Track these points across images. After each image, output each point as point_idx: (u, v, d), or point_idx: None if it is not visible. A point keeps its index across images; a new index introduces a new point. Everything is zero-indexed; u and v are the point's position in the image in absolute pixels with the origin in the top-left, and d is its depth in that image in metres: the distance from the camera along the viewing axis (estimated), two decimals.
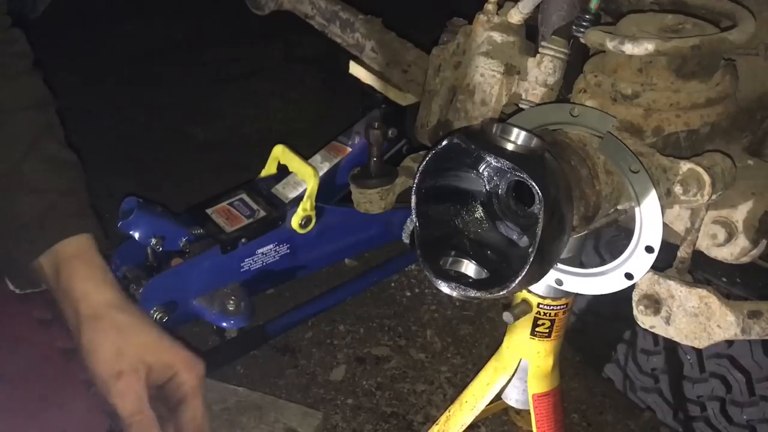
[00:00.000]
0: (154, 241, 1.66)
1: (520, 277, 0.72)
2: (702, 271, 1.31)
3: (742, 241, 0.86)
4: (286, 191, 1.82)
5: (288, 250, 1.79)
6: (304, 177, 1.77)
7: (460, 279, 0.80)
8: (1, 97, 0.86)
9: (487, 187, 0.82)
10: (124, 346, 0.79)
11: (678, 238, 0.89)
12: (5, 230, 0.85)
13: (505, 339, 1.25)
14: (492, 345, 1.25)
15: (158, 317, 1.60)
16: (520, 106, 1.02)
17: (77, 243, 0.85)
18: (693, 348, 1.40)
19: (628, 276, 0.84)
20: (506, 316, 1.13)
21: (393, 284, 2.07)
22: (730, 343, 1.56)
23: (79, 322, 0.82)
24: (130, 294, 1.63)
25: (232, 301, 1.66)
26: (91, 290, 0.83)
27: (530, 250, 0.72)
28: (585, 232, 0.87)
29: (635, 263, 0.82)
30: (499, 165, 0.73)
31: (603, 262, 0.86)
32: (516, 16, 1.03)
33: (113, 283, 0.85)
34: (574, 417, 1.80)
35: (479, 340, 1.93)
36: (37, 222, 0.83)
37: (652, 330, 0.86)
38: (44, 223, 0.84)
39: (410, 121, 1.09)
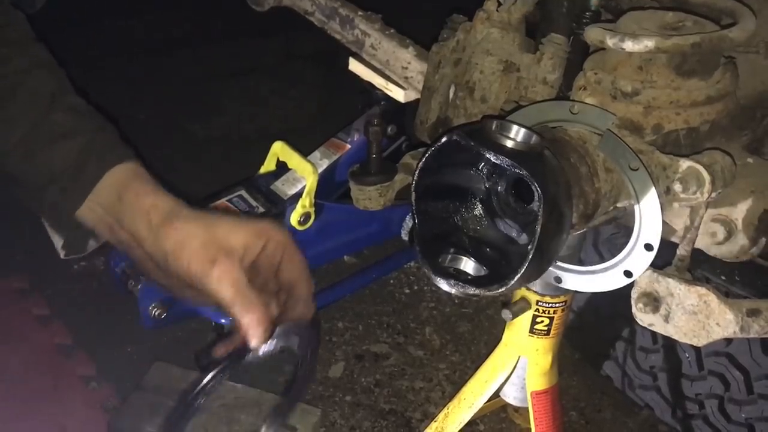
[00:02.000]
0: None
1: (519, 275, 0.72)
2: (701, 269, 1.31)
3: (741, 240, 0.86)
4: (285, 188, 1.82)
5: None
6: (304, 174, 1.77)
7: (459, 276, 0.80)
8: (16, 60, 0.85)
9: (487, 185, 0.82)
10: (209, 235, 0.76)
11: (677, 236, 0.89)
12: (47, 181, 0.82)
13: (504, 336, 1.25)
14: (491, 342, 1.25)
15: (156, 313, 1.60)
16: (520, 103, 1.02)
17: (127, 169, 0.83)
18: (692, 346, 1.40)
19: (627, 274, 0.83)
20: (505, 313, 1.13)
21: (392, 281, 2.07)
22: (728, 341, 1.56)
23: (156, 232, 0.78)
24: (128, 290, 1.63)
25: None
26: (159, 201, 0.81)
27: (529, 247, 0.71)
28: (584, 229, 0.87)
29: (634, 261, 0.82)
30: (498, 162, 0.73)
31: (602, 260, 0.86)
32: (516, 13, 1.02)
33: (174, 196, 0.84)
34: (572, 414, 1.80)
35: (478, 338, 1.93)
36: (80, 161, 0.81)
37: (650, 328, 0.86)
38: (88, 161, 0.82)
39: (410, 118, 1.09)
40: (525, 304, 1.15)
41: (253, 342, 0.75)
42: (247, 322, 0.75)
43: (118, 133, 0.88)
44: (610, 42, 0.83)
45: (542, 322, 1.18)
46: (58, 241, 0.88)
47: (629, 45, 0.81)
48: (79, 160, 0.82)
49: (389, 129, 1.86)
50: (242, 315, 0.75)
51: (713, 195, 0.81)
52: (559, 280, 0.92)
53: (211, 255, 0.75)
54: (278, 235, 0.80)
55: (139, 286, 1.59)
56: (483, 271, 0.81)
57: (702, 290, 0.81)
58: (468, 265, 0.81)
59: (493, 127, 0.74)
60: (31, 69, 0.86)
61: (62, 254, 0.89)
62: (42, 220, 0.91)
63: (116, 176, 0.82)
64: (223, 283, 0.75)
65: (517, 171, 0.72)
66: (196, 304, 0.85)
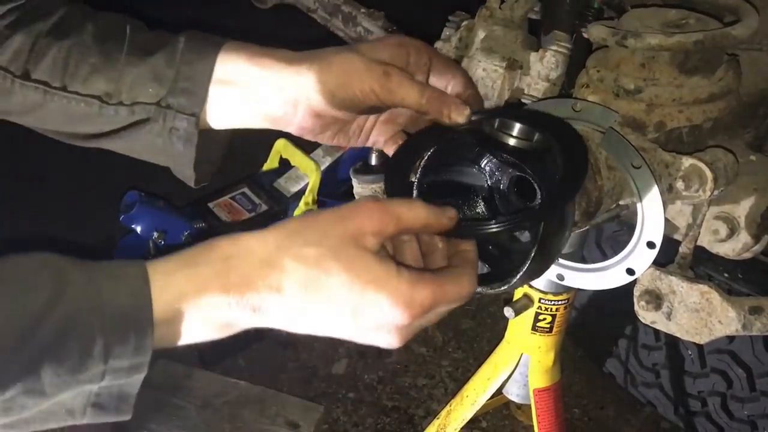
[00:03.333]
0: (156, 234, 1.66)
1: (521, 273, 0.72)
2: (703, 266, 1.31)
3: (743, 237, 0.86)
4: (288, 185, 1.82)
5: None
6: (306, 171, 1.77)
7: None
8: (78, 14, 0.84)
9: (489, 182, 0.82)
10: (364, 58, 0.76)
11: (680, 234, 0.89)
12: (165, 90, 0.79)
13: (507, 334, 1.26)
14: (493, 340, 1.26)
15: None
16: (523, 101, 1.02)
17: (235, 45, 0.80)
18: (694, 343, 1.40)
19: (630, 271, 0.84)
20: (507, 311, 1.13)
21: None
22: (731, 338, 1.56)
23: (314, 75, 0.76)
24: None
25: None
26: (288, 53, 0.79)
27: (532, 245, 0.72)
28: (587, 227, 0.87)
29: (637, 259, 0.82)
30: (500, 160, 0.73)
31: (605, 258, 0.86)
32: (519, 10, 1.02)
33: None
34: (575, 411, 1.80)
35: (480, 335, 1.94)
36: (192, 53, 0.79)
37: (653, 325, 0.86)
38: (194, 56, 0.79)
39: None
40: (527, 302, 1.15)
41: (462, 117, 0.75)
42: (450, 107, 0.75)
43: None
44: (613, 39, 0.83)
45: (545, 319, 1.18)
46: (187, 165, 0.85)
47: (632, 43, 0.81)
48: (184, 59, 0.79)
49: None
50: (441, 106, 0.75)
51: (716, 193, 0.81)
52: (561, 277, 0.92)
53: (380, 70, 0.75)
54: (415, 42, 0.80)
55: None
56: (485, 269, 0.81)
57: (704, 288, 0.81)
58: None
59: (496, 124, 0.74)
60: (94, 16, 0.84)
61: (193, 182, 0.86)
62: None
63: (229, 59, 0.79)
64: (406, 86, 0.75)
65: (519, 169, 0.72)
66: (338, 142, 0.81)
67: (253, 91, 0.78)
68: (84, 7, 0.86)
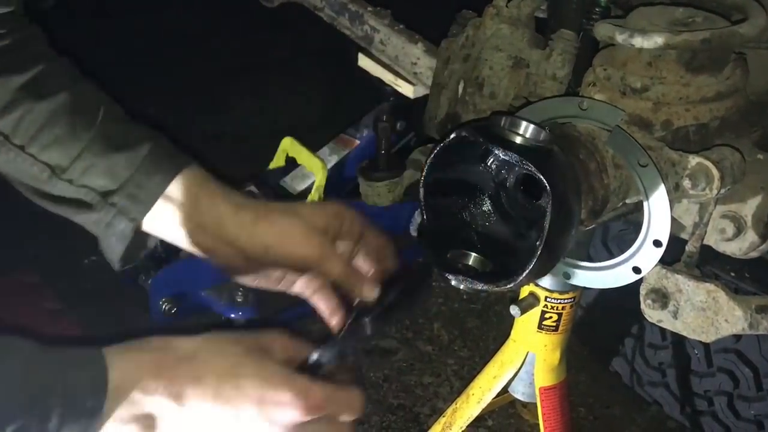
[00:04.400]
0: None
1: (527, 271, 0.72)
2: (710, 265, 1.31)
3: (750, 236, 0.86)
4: (295, 184, 1.83)
5: None
6: (313, 169, 1.77)
7: (468, 272, 0.80)
8: (56, 78, 0.87)
9: (495, 181, 0.82)
10: (304, 224, 0.82)
11: (686, 233, 0.89)
12: (110, 191, 0.83)
13: (513, 332, 1.26)
14: (499, 338, 1.26)
15: (167, 308, 1.61)
16: (529, 99, 1.02)
17: (193, 173, 0.85)
18: (700, 342, 1.40)
19: (636, 270, 0.84)
20: (513, 309, 1.13)
21: None
22: (737, 337, 1.55)
23: (252, 229, 0.82)
24: (139, 285, 1.64)
25: (240, 293, 1.67)
26: (242, 200, 0.85)
27: (538, 243, 0.72)
28: (593, 225, 0.87)
29: (643, 257, 0.82)
30: (507, 158, 0.73)
31: (611, 256, 0.86)
32: (525, 8, 1.02)
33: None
34: (580, 410, 1.80)
35: (486, 333, 1.94)
36: (146, 168, 0.83)
37: (659, 324, 0.86)
38: (154, 167, 0.83)
39: (419, 114, 1.09)
40: (533, 300, 1.15)
41: (372, 295, 0.82)
42: (362, 285, 0.83)
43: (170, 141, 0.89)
44: (620, 38, 0.83)
45: (551, 318, 1.18)
46: (115, 253, 0.88)
47: (639, 41, 0.81)
48: (143, 167, 0.82)
49: (398, 125, 1.87)
50: (356, 283, 0.83)
51: (722, 191, 0.81)
52: (567, 276, 0.92)
53: (315, 241, 0.81)
54: (350, 214, 0.86)
55: (149, 281, 1.60)
56: (491, 267, 0.81)
57: (711, 287, 0.81)
58: (476, 260, 0.82)
59: (502, 123, 0.74)
60: (73, 84, 0.87)
61: (118, 266, 0.89)
62: (87, 235, 0.92)
63: (185, 182, 0.83)
64: (333, 262, 0.82)
65: (526, 167, 0.72)
66: (278, 286, 0.88)
67: (193, 227, 0.83)
68: (67, 69, 0.88)
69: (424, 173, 0.78)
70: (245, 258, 0.83)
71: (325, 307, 0.86)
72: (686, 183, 0.80)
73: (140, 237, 0.86)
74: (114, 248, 0.86)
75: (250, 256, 0.83)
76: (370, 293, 0.83)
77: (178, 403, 0.68)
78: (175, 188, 0.83)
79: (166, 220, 0.84)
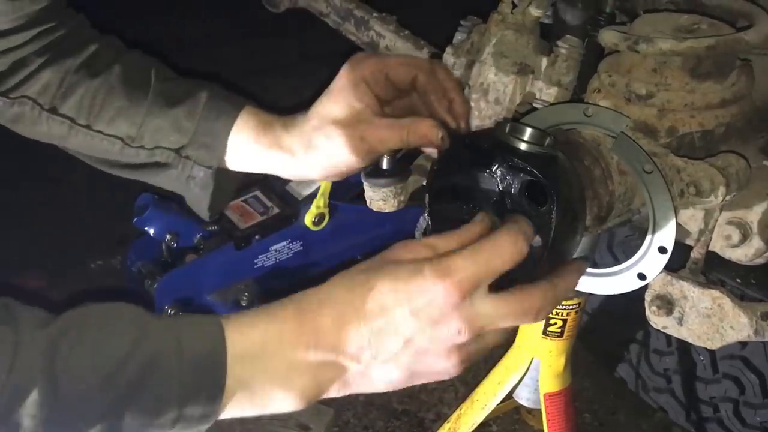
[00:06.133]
0: (168, 237, 1.67)
1: (533, 277, 0.72)
2: (715, 272, 1.31)
3: (756, 243, 0.86)
4: (300, 188, 1.83)
5: (301, 247, 1.80)
6: None
7: None
8: (104, 52, 0.89)
9: (500, 187, 0.82)
10: (350, 123, 0.83)
11: (691, 239, 0.89)
12: (184, 142, 0.85)
13: (517, 338, 1.25)
14: (504, 344, 1.26)
15: (173, 313, 1.62)
16: (534, 105, 1.02)
17: (252, 111, 0.88)
18: (706, 349, 1.39)
19: (641, 276, 0.83)
20: None
21: None
22: (743, 344, 1.55)
23: (309, 141, 0.84)
24: (145, 290, 1.64)
25: (245, 297, 1.67)
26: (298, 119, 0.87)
27: (542, 249, 0.72)
28: (598, 232, 0.87)
29: (648, 264, 0.82)
30: (511, 164, 0.73)
31: (616, 262, 0.86)
32: (530, 15, 1.03)
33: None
34: (586, 416, 1.80)
35: None
36: (211, 110, 0.85)
37: (664, 330, 0.86)
38: (219, 107, 0.86)
39: None
40: None
41: (442, 143, 0.81)
42: (423, 137, 0.82)
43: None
44: (625, 44, 0.83)
45: (556, 324, 1.18)
46: (202, 205, 0.90)
47: (644, 48, 0.81)
48: (205, 114, 0.85)
49: None
50: (416, 138, 0.82)
51: (728, 198, 0.80)
52: None
53: (357, 141, 0.82)
54: (363, 67, 0.86)
55: (155, 286, 1.61)
56: None
57: (716, 293, 0.81)
58: None
59: (507, 129, 0.74)
60: (123, 56, 0.89)
61: (207, 215, 0.91)
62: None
63: (247, 118, 0.86)
64: (385, 138, 0.82)
65: (531, 174, 0.72)
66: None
67: (261, 166, 0.87)
68: (115, 44, 0.92)
69: (429, 179, 0.78)
70: (325, 166, 0.85)
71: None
72: (691, 189, 0.80)
73: (223, 186, 0.88)
74: (200, 200, 0.88)
75: (325, 165, 0.85)
76: (433, 136, 0.81)
77: (335, 356, 0.64)
78: (240, 126, 0.85)
79: (240, 158, 0.86)
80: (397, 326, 0.63)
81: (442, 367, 0.66)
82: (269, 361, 0.63)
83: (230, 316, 0.64)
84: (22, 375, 0.56)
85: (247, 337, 0.62)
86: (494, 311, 0.65)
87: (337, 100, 0.84)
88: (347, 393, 0.67)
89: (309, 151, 0.85)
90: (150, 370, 0.59)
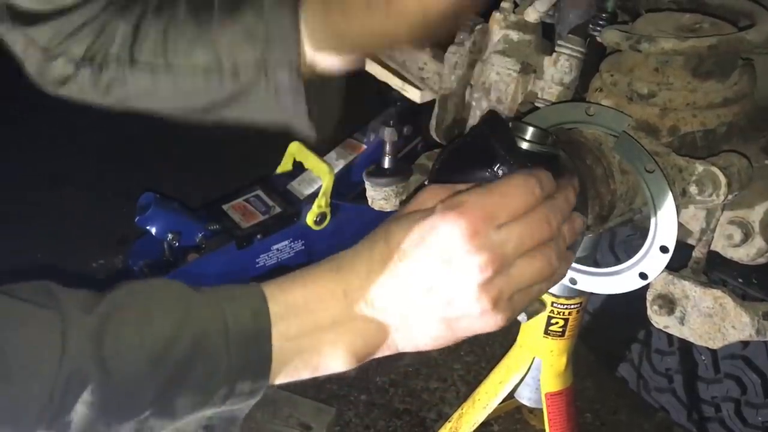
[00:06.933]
0: (170, 236, 1.67)
1: None
2: (717, 271, 1.31)
3: (758, 242, 0.86)
4: (302, 188, 1.83)
5: (303, 247, 1.80)
6: (320, 174, 1.78)
7: None
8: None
9: None
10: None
11: (693, 238, 0.89)
12: (261, 47, 0.79)
13: (519, 338, 1.25)
14: (505, 343, 1.26)
15: None
16: (536, 104, 1.02)
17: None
18: (707, 349, 1.39)
19: (643, 276, 0.83)
20: (520, 314, 1.13)
21: None
22: (745, 344, 1.55)
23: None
24: None
25: None
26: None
27: None
28: (600, 231, 0.87)
29: (650, 263, 0.82)
30: (513, 164, 0.73)
31: (618, 262, 0.86)
32: (532, 14, 1.02)
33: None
34: (587, 416, 1.80)
35: (493, 339, 1.93)
36: (275, 6, 0.79)
37: (666, 330, 0.86)
38: (279, 6, 0.79)
39: (425, 119, 1.10)
40: (540, 306, 1.14)
41: None
42: None
43: None
44: (627, 44, 0.83)
45: (557, 323, 1.18)
46: (302, 118, 0.85)
47: (645, 47, 0.81)
48: (271, 12, 0.79)
49: (405, 130, 1.87)
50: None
51: (730, 197, 0.80)
52: (574, 281, 0.92)
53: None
54: None
55: None
56: None
57: (717, 293, 0.81)
58: None
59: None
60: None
61: (312, 131, 0.86)
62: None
63: (314, 8, 0.79)
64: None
65: None
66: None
67: (342, 42, 0.80)
68: None
69: (430, 178, 0.78)
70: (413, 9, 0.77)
71: None
72: (693, 189, 0.80)
73: (323, 95, 0.83)
74: (297, 113, 0.82)
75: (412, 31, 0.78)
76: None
77: (372, 310, 0.63)
78: (309, 14, 0.78)
79: (321, 39, 0.79)
80: (417, 274, 0.62)
81: (477, 311, 0.63)
82: (313, 318, 0.62)
83: (270, 281, 0.64)
84: (74, 362, 0.55)
85: (289, 295, 0.62)
86: (508, 234, 0.63)
87: None
88: (395, 351, 0.65)
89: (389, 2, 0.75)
90: (197, 350, 0.59)
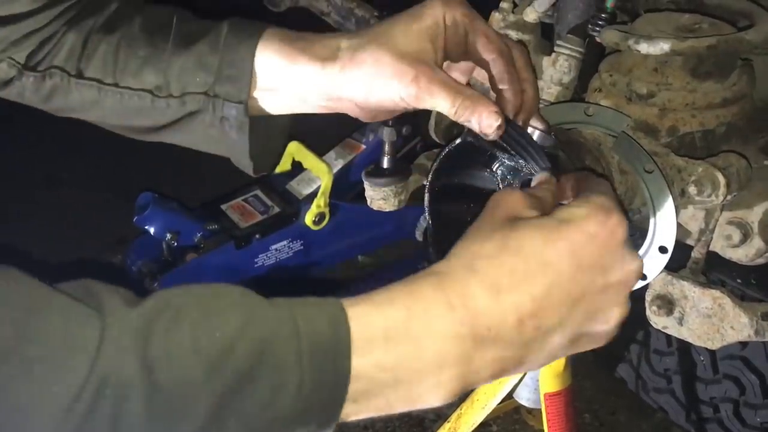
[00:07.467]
0: (169, 236, 1.67)
1: None
2: (716, 272, 1.30)
3: (757, 243, 0.86)
4: (301, 188, 1.83)
5: (301, 247, 1.80)
6: (319, 174, 1.78)
7: None
8: (129, 7, 0.84)
9: (501, 186, 0.82)
10: (394, 53, 0.71)
11: (692, 239, 0.88)
12: (211, 74, 0.77)
13: None
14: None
15: None
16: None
17: (276, 33, 0.79)
18: (706, 349, 1.39)
19: (642, 276, 0.83)
20: None
21: None
22: (744, 344, 1.55)
23: (351, 55, 0.73)
24: (145, 289, 1.64)
25: None
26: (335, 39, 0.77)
27: None
28: None
29: (649, 263, 0.82)
30: (512, 164, 0.73)
31: None
32: (531, 14, 1.02)
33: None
34: (586, 417, 1.80)
35: None
36: (235, 36, 0.77)
37: (664, 330, 0.86)
38: (236, 41, 0.78)
39: (425, 119, 1.10)
40: None
41: (492, 134, 0.70)
42: (478, 118, 0.70)
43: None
44: (626, 44, 0.83)
45: None
46: (243, 154, 0.84)
47: (645, 47, 0.81)
48: (227, 45, 0.78)
49: (404, 129, 1.87)
50: (468, 114, 0.70)
51: (729, 198, 0.80)
52: None
53: (408, 76, 0.70)
54: (454, 16, 0.73)
55: (155, 285, 1.61)
56: None
57: (716, 293, 0.81)
58: None
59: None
60: (144, 9, 0.84)
61: (251, 171, 0.85)
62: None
63: (270, 46, 0.77)
64: (435, 94, 0.70)
65: (532, 173, 0.72)
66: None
67: (293, 90, 0.77)
68: (135, 1, 0.86)
69: (429, 178, 0.78)
70: (359, 108, 0.75)
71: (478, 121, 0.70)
72: (692, 189, 0.80)
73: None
74: (240, 148, 0.80)
75: (359, 107, 0.75)
76: (489, 128, 0.69)
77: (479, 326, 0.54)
78: (260, 63, 0.76)
79: (271, 95, 0.78)
80: (563, 284, 0.56)
81: (611, 322, 0.60)
82: (415, 345, 0.53)
83: (354, 298, 0.55)
84: (112, 361, 0.47)
85: (387, 317, 0.53)
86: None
87: (408, 27, 0.73)
88: (500, 377, 0.57)
89: (346, 65, 0.72)
90: (262, 353, 0.50)
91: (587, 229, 0.57)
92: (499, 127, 0.70)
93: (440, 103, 0.70)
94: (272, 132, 0.83)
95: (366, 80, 0.72)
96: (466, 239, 0.60)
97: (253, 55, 0.77)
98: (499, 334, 0.54)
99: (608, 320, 0.60)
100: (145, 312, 0.50)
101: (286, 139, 0.86)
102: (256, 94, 0.78)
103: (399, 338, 0.53)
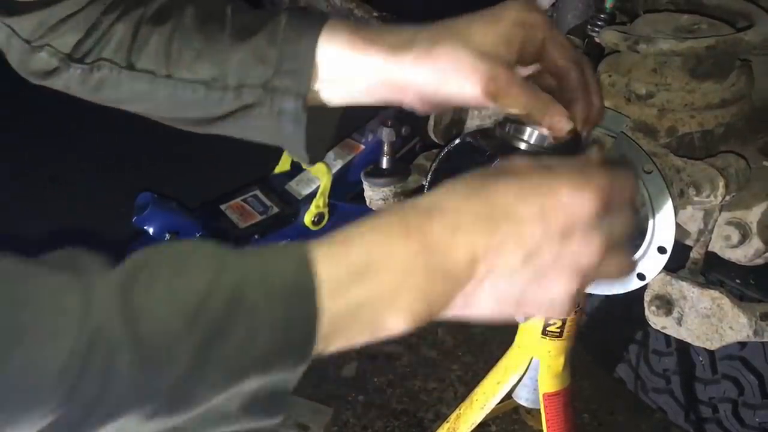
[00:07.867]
0: (168, 236, 1.67)
1: None
2: (715, 272, 1.31)
3: (756, 243, 0.86)
4: (300, 188, 1.83)
5: None
6: (318, 174, 1.78)
7: None
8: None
9: None
10: (470, 56, 0.71)
11: (691, 239, 0.89)
12: (270, 70, 0.76)
13: (517, 338, 1.26)
14: (503, 344, 1.26)
15: None
16: None
17: (336, 24, 0.77)
18: (705, 349, 1.39)
19: (641, 276, 0.83)
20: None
21: None
22: (742, 344, 1.55)
23: (428, 47, 0.72)
24: None
25: None
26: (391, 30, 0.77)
27: None
28: None
29: (648, 264, 0.82)
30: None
31: None
32: None
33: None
34: (585, 417, 1.80)
35: (490, 339, 1.93)
36: (291, 34, 0.76)
37: (663, 331, 0.86)
38: (296, 34, 0.76)
39: (424, 120, 1.10)
40: None
41: (564, 128, 0.72)
42: (550, 120, 0.72)
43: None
44: (625, 44, 0.83)
45: (555, 324, 1.18)
46: (298, 145, 0.83)
47: (644, 48, 0.81)
48: (286, 38, 0.76)
49: (403, 130, 1.87)
50: (541, 115, 0.72)
51: (727, 198, 0.81)
52: None
53: (486, 76, 0.71)
54: (531, 22, 0.74)
55: None
56: None
57: (715, 293, 0.81)
58: None
59: (507, 129, 0.74)
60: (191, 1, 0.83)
61: (307, 158, 0.84)
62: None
63: (332, 37, 0.76)
64: (511, 95, 0.71)
65: None
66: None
67: (357, 80, 0.76)
68: None
69: (428, 179, 0.78)
70: (424, 100, 0.74)
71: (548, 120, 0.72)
72: (691, 190, 0.80)
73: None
74: (295, 140, 0.79)
75: (425, 98, 0.74)
76: (560, 130, 0.71)
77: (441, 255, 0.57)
78: (323, 53, 0.75)
79: (333, 86, 0.77)
80: (522, 236, 0.58)
81: (557, 293, 0.60)
82: (375, 280, 0.57)
83: (322, 239, 0.57)
84: (98, 318, 0.50)
85: (350, 254, 0.56)
86: (618, 224, 0.60)
87: (488, 27, 0.73)
88: (453, 315, 0.60)
89: (421, 56, 0.72)
90: (235, 301, 0.53)
91: (562, 197, 0.58)
92: (570, 131, 0.72)
93: (515, 104, 0.72)
94: (326, 121, 0.82)
95: (440, 74, 0.72)
96: (451, 181, 0.62)
97: (314, 48, 0.76)
98: (451, 270, 0.58)
99: (551, 291, 0.60)
100: (125, 270, 0.53)
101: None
102: (314, 85, 0.77)
103: (361, 272, 0.56)
